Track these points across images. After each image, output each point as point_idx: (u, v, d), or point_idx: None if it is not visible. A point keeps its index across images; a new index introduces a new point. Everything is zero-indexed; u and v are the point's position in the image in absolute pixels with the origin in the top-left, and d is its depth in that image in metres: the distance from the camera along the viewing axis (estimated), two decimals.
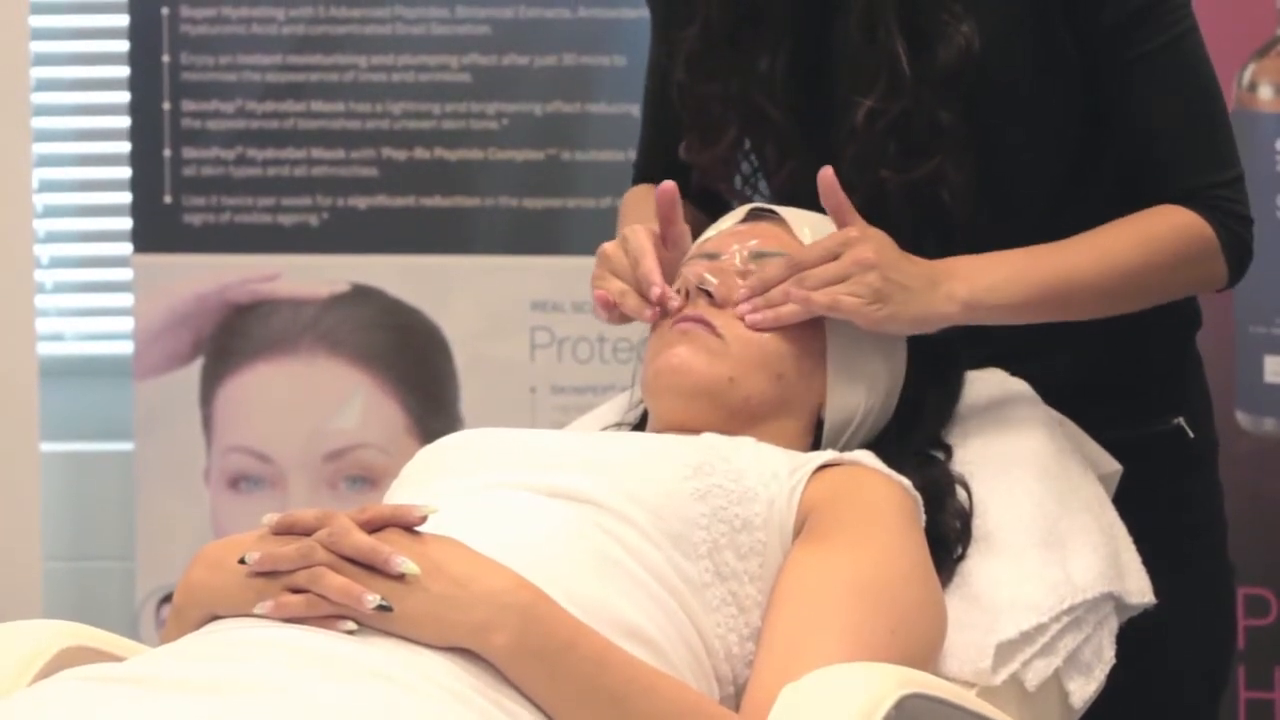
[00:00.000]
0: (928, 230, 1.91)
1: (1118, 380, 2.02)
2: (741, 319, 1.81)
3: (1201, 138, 1.92)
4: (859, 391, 1.84)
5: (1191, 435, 2.04)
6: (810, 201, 1.88)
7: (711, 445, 1.72)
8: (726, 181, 2.00)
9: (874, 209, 1.85)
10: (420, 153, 3.20)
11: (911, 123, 1.88)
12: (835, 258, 1.79)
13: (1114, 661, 1.80)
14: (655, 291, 1.83)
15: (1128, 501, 1.93)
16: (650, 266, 1.83)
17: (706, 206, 2.05)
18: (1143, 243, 1.88)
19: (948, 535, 1.79)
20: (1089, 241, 1.88)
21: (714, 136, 1.97)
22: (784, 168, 1.97)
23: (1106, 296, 1.88)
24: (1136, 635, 1.86)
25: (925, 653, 1.66)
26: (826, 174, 1.80)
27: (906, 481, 1.74)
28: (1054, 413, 1.94)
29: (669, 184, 1.86)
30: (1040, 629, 1.75)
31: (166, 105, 3.20)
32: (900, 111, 1.87)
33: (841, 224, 1.82)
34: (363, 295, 3.21)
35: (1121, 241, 1.88)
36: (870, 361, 1.85)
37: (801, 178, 1.91)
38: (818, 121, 1.90)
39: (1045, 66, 1.91)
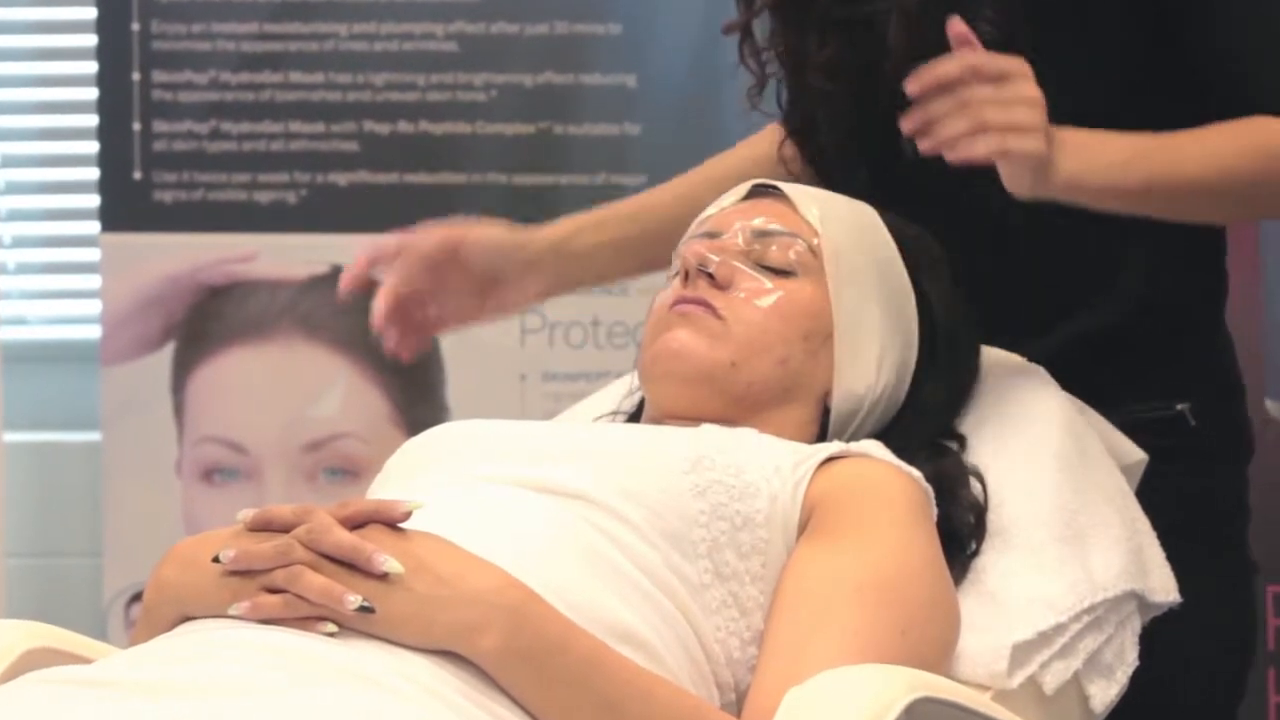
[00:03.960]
0: None
1: (1128, 359, 1.97)
2: (747, 303, 1.78)
3: None
4: (867, 377, 1.82)
5: (1193, 424, 1.98)
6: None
7: (711, 437, 1.69)
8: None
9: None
10: (404, 126, 3.21)
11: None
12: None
13: (1137, 663, 1.78)
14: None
15: (1139, 492, 1.90)
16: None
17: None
18: (1254, 148, 1.88)
19: (961, 530, 1.76)
20: (1198, 140, 1.88)
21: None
22: (823, 53, 1.98)
23: (1213, 198, 1.88)
24: (1149, 635, 1.82)
25: (937, 654, 1.64)
26: (956, 23, 1.78)
27: (917, 473, 1.72)
28: (1074, 399, 1.91)
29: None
30: (1059, 629, 1.73)
31: (136, 76, 3.21)
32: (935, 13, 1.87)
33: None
34: None
35: (1232, 144, 1.88)
36: (879, 345, 1.82)
37: (840, 63, 1.94)
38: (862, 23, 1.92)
39: None
